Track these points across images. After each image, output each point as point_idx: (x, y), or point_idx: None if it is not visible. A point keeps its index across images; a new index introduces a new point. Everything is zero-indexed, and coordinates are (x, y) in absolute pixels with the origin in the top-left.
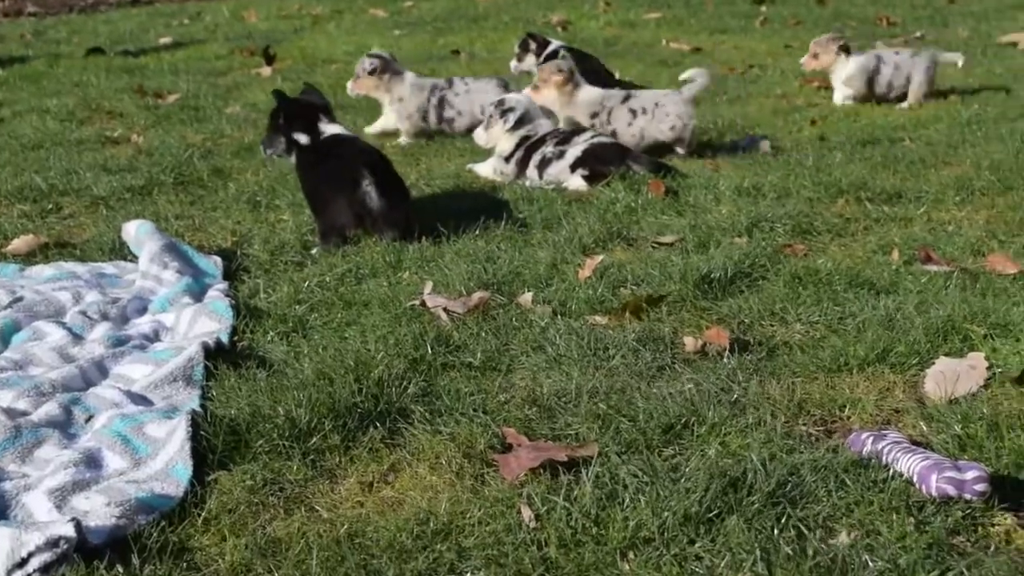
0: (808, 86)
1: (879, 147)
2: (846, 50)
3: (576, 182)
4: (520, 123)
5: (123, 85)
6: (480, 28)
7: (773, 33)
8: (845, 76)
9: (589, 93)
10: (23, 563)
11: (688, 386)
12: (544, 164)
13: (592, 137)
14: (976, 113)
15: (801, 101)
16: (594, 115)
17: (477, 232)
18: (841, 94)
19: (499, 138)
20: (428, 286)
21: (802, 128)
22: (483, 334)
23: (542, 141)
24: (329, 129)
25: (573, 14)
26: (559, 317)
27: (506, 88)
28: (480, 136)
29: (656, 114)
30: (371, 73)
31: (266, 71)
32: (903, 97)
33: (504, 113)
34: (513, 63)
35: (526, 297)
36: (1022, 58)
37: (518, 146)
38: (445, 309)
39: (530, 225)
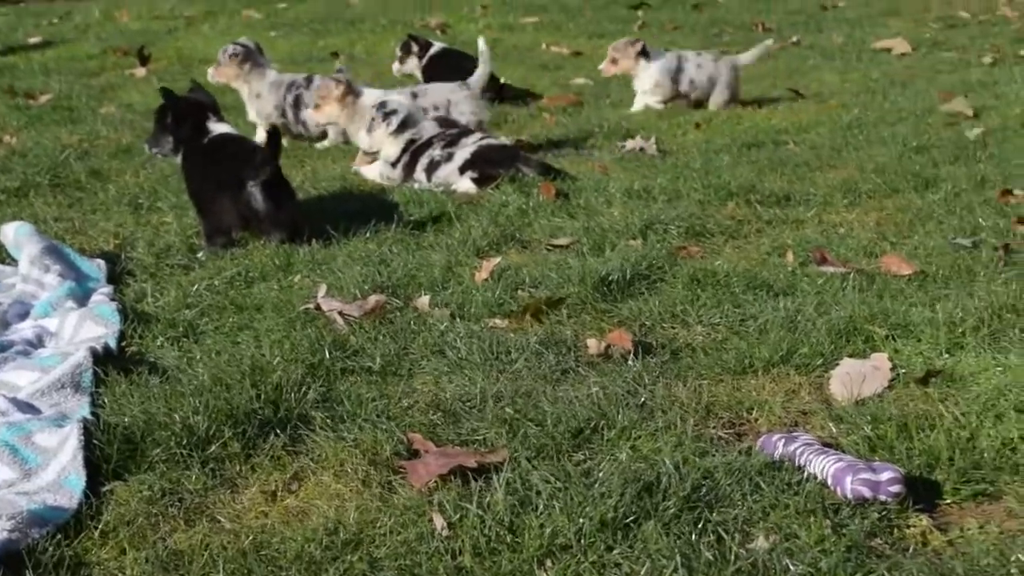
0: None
1: (764, 150)
2: (645, 54)
3: (465, 184)
4: (404, 126)
5: None
6: (358, 30)
7: (651, 37)
8: (651, 82)
9: (370, 97)
10: None
11: (594, 389)
12: (432, 167)
13: (480, 139)
14: (856, 117)
15: (684, 105)
16: None
17: (368, 235)
18: (642, 101)
19: (383, 142)
20: (322, 289)
21: (687, 132)
22: (381, 338)
23: (429, 144)
24: (217, 128)
25: (452, 17)
26: (458, 320)
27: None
28: (363, 140)
29: (450, 111)
30: (232, 57)
31: (140, 71)
32: (703, 101)
33: (387, 116)
34: (395, 65)
35: (423, 300)
36: (897, 63)
37: (404, 150)
38: (341, 313)
39: (422, 227)
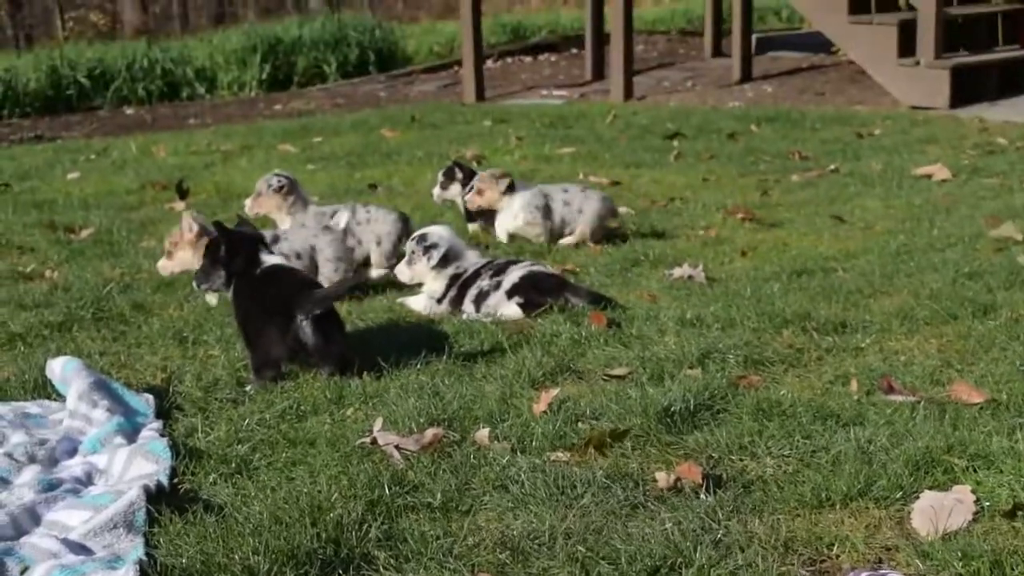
0: (732, 218)
1: (814, 278)
2: (511, 188)
3: (511, 309)
4: (446, 260)
5: (33, 220)
6: (395, 163)
7: (688, 167)
8: (523, 217)
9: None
10: None
11: (667, 526)
12: (481, 298)
13: (529, 266)
14: (903, 243)
15: (727, 232)
16: None
17: (419, 366)
18: (503, 229)
19: (424, 275)
20: (378, 423)
21: (732, 259)
22: (440, 473)
23: (476, 275)
24: (269, 260)
25: (487, 149)
26: (519, 454)
27: (406, 222)
28: (403, 272)
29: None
30: (278, 191)
31: (180, 205)
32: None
33: (427, 250)
34: (436, 191)
35: (482, 433)
36: (938, 189)
37: (449, 286)
38: (398, 447)
39: (473, 359)
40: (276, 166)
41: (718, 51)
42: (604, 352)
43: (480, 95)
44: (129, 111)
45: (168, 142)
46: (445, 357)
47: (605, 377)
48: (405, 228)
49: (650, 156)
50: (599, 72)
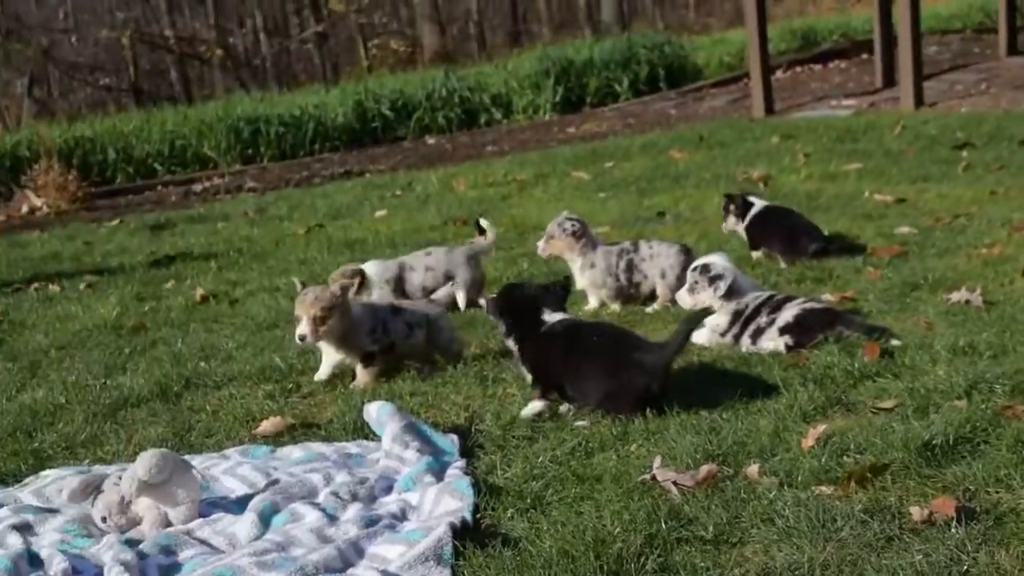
0: (1018, 234)
1: None
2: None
3: (779, 346)
4: (731, 293)
5: (346, 260)
6: (682, 187)
7: (976, 179)
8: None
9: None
10: None
11: (917, 558)
12: (758, 333)
13: (803, 304)
14: None
15: (1011, 250)
16: None
17: (699, 401)
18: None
19: (706, 302)
20: (657, 460)
21: (1013, 280)
22: (713, 507)
23: (756, 312)
24: (552, 318)
25: (773, 168)
26: (786, 488)
27: (688, 252)
28: (685, 300)
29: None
30: (573, 235)
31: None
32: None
33: (712, 281)
34: (723, 223)
35: (753, 469)
36: None
37: (732, 322)
38: (675, 483)
39: (749, 393)
40: (569, 195)
41: (1013, 49)
42: (875, 384)
43: (769, 108)
44: (431, 140)
45: (467, 174)
46: (723, 391)
47: (873, 410)
48: (687, 260)
49: (937, 169)
50: (889, 78)
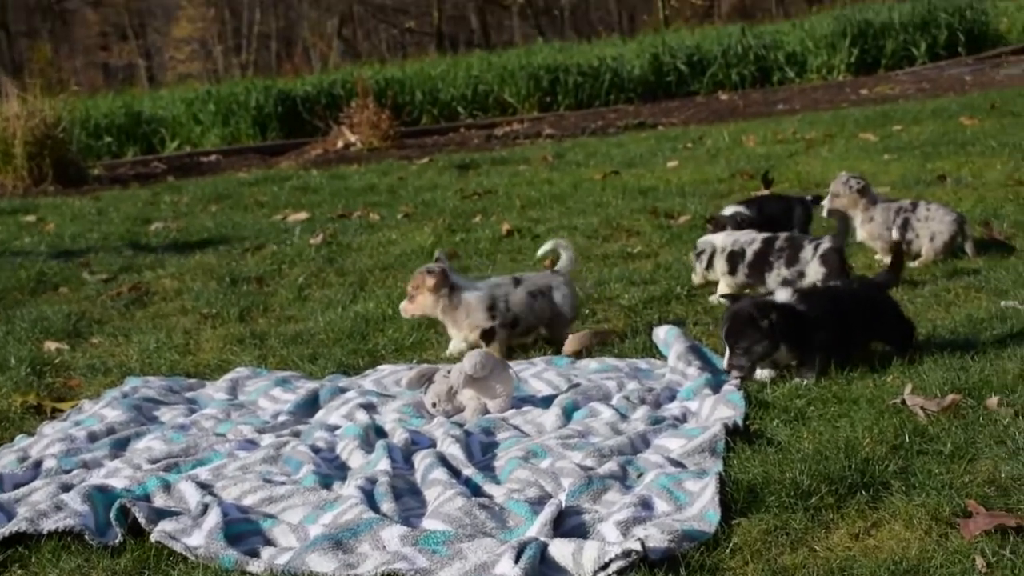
0: None
1: None
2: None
3: None
4: None
5: (638, 206)
6: (967, 153)
7: None
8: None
9: (473, 294)
10: (606, 566)
11: None
12: None
13: None
14: None
15: None
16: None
17: (954, 345)
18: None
19: None
20: (908, 388)
21: None
22: (953, 429)
23: None
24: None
25: None
26: (1021, 418)
27: (962, 222)
28: None
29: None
30: (859, 191)
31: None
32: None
33: None
34: None
35: (992, 400)
36: None
37: None
38: (922, 407)
39: (1003, 341)
40: (855, 156)
41: None
42: None
43: None
44: (723, 96)
45: (757, 130)
46: (977, 339)
47: None
48: (960, 228)
49: None
50: None
